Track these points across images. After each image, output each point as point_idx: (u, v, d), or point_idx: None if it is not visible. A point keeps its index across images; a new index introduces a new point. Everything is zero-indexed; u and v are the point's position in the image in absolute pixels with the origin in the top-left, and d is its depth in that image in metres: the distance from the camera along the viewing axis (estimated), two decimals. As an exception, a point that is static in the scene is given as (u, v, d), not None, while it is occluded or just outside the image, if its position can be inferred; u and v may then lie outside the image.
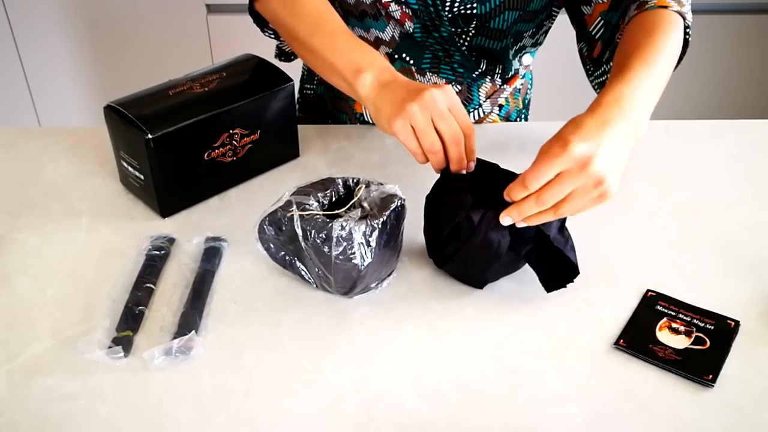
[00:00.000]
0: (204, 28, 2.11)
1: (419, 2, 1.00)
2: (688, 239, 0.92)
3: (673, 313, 0.80)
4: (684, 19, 0.90)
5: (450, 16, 1.01)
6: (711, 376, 0.73)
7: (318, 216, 0.78)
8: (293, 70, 1.08)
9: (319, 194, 0.82)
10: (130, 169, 0.94)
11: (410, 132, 0.80)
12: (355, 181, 0.84)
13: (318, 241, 0.76)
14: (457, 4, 0.99)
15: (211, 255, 0.87)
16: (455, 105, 0.81)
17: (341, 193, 0.84)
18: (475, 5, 0.99)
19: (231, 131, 0.94)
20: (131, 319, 0.79)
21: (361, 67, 0.84)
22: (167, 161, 0.90)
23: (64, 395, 0.71)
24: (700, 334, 0.77)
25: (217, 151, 0.94)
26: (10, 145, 1.08)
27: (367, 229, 0.76)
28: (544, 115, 1.21)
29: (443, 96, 0.80)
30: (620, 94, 0.78)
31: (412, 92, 0.79)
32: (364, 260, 0.77)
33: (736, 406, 0.71)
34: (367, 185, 0.83)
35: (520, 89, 1.19)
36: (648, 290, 0.83)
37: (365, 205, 0.81)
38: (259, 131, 0.97)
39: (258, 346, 0.77)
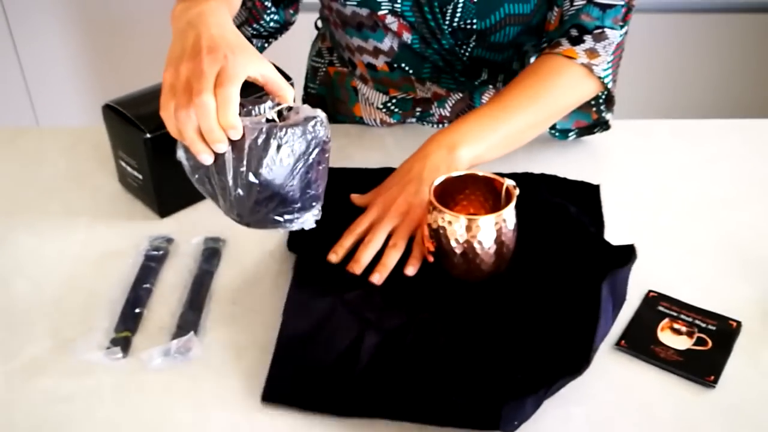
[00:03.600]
0: (203, 28, 2.11)
1: (416, 15, 0.99)
2: (690, 239, 0.91)
3: (675, 314, 0.79)
4: (592, 72, 0.92)
5: (450, 30, 1.00)
6: (713, 377, 0.73)
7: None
8: (294, 69, 1.08)
9: (250, 105, 0.74)
10: (128, 168, 0.93)
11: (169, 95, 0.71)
12: (289, 107, 0.75)
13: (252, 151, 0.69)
14: (456, 19, 0.98)
15: (210, 255, 0.87)
16: (225, 69, 0.69)
17: (272, 116, 0.74)
18: (474, 21, 0.98)
19: (230, 131, 0.93)
20: (130, 319, 0.78)
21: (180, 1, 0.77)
22: (165, 161, 0.89)
23: (63, 396, 0.71)
24: (702, 335, 0.77)
25: (216, 150, 0.93)
26: (9, 145, 1.08)
27: (261, 134, 0.68)
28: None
29: (211, 62, 0.69)
30: (453, 132, 0.88)
31: (193, 50, 0.70)
32: (249, 167, 0.69)
33: (737, 407, 0.71)
34: (298, 110, 0.74)
35: None
36: (650, 291, 0.83)
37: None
38: (258, 131, 0.97)
39: (257, 347, 0.76)
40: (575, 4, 0.94)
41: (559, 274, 0.83)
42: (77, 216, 0.94)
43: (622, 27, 0.94)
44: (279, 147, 0.69)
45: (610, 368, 0.75)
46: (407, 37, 1.02)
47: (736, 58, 2.19)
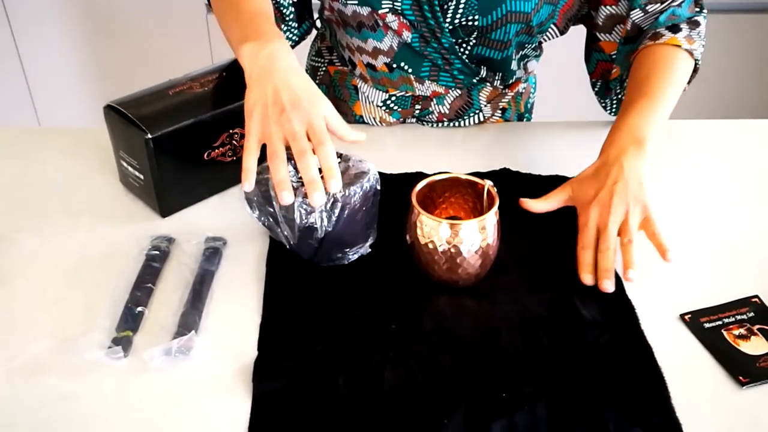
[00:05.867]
0: (204, 28, 2.11)
1: (416, 14, 0.99)
2: (690, 239, 0.91)
3: (722, 322, 0.79)
4: (692, 55, 0.98)
5: (451, 27, 1.00)
6: None
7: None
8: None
9: None
10: (129, 168, 0.94)
11: (255, 143, 0.79)
12: (338, 154, 0.85)
13: (284, 205, 0.79)
14: (458, 16, 0.98)
15: (211, 255, 0.87)
16: (312, 122, 0.78)
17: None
18: (476, 17, 0.98)
19: (231, 131, 0.94)
20: (131, 319, 0.78)
21: (247, 36, 0.84)
22: (167, 161, 0.90)
23: (64, 395, 0.71)
24: (758, 326, 0.77)
25: (216, 150, 0.94)
26: (10, 145, 1.08)
27: (329, 200, 0.79)
28: (546, 117, 1.21)
29: (298, 117, 0.78)
30: (633, 124, 0.89)
31: (276, 106, 0.78)
32: (323, 230, 0.79)
33: None
34: (347, 159, 0.85)
35: (522, 93, 1.18)
36: (682, 314, 0.81)
37: None
38: (259, 131, 0.97)
39: (257, 347, 0.77)
40: (649, 11, 0.99)
41: (543, 278, 0.84)
42: (79, 216, 0.94)
43: (702, 10, 1.03)
44: (344, 207, 0.79)
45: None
46: (407, 35, 1.02)
47: (736, 58, 2.19)
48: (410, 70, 1.07)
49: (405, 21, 1.00)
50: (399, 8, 0.99)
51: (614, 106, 1.13)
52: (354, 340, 0.76)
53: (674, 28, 0.99)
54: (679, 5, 0.99)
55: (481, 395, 0.70)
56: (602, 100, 1.14)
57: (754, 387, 0.72)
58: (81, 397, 0.71)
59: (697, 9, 1.02)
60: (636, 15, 1.00)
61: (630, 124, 0.89)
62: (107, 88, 2.25)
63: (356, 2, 1.00)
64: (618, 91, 1.10)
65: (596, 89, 1.13)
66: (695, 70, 1.01)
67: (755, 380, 0.72)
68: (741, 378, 0.73)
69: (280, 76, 0.80)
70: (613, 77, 1.08)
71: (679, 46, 0.97)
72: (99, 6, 2.10)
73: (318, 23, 1.20)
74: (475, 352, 0.75)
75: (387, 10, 0.99)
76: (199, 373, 0.74)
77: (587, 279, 0.82)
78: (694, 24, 1.00)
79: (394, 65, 1.07)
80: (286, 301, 0.81)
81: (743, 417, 0.70)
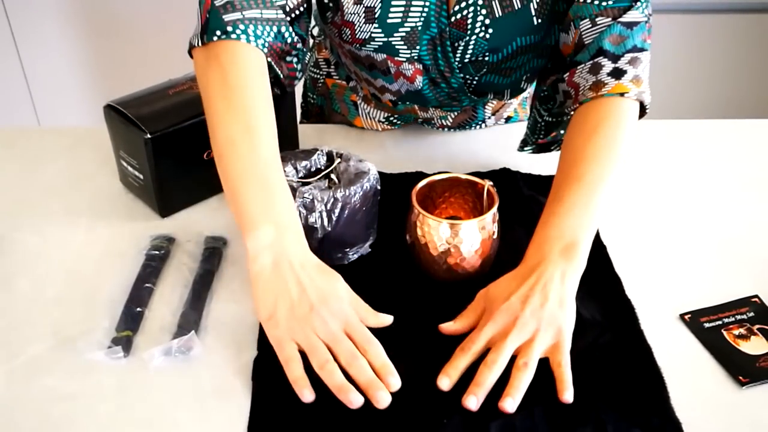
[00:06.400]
0: (204, 28, 2.11)
1: (431, 56, 0.93)
2: (690, 240, 0.91)
3: (721, 322, 0.79)
4: (642, 102, 0.86)
5: (461, 65, 0.95)
6: None
7: (290, 181, 0.81)
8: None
9: (298, 162, 0.85)
10: (129, 168, 0.94)
11: (293, 351, 0.71)
12: (338, 153, 0.87)
13: None
14: (468, 55, 0.93)
15: (211, 255, 0.87)
16: (349, 321, 0.72)
17: (322, 164, 0.87)
18: (487, 55, 0.93)
19: (231, 131, 0.94)
20: (131, 319, 0.78)
21: (259, 217, 0.74)
22: (167, 161, 0.90)
23: (64, 395, 0.71)
24: (758, 326, 0.77)
25: (216, 150, 0.94)
26: (10, 145, 1.08)
27: (329, 199, 0.79)
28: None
29: (332, 315, 0.71)
30: (564, 224, 0.77)
31: (302, 306, 0.71)
32: (324, 230, 0.80)
33: None
34: (347, 159, 0.86)
35: (528, 98, 1.17)
36: (682, 314, 0.81)
37: (333, 177, 0.85)
38: (258, 131, 0.97)
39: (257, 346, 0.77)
40: (598, 24, 0.85)
41: None
42: (78, 216, 0.94)
43: (647, 42, 0.87)
44: (344, 208, 0.80)
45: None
46: (419, 81, 0.97)
47: (736, 58, 2.19)
48: (416, 106, 1.06)
49: (419, 66, 0.95)
50: (416, 56, 0.94)
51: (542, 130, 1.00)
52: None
53: (617, 73, 0.85)
54: (630, 27, 0.85)
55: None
56: (541, 107, 0.99)
57: (754, 387, 0.72)
58: (81, 397, 0.71)
59: (648, 40, 0.87)
60: (584, 26, 0.87)
61: (560, 224, 0.77)
62: (107, 88, 2.25)
63: (372, 49, 0.94)
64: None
65: (541, 94, 0.98)
66: (643, 110, 0.88)
67: (755, 380, 0.72)
68: (741, 378, 0.73)
69: (303, 271, 0.73)
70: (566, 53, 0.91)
71: (624, 93, 0.84)
72: (99, 6, 2.10)
73: (315, 31, 1.15)
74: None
75: (405, 59, 0.94)
76: (199, 372, 0.74)
77: (444, 383, 0.70)
78: (635, 62, 0.85)
79: (400, 102, 1.05)
80: None
81: (743, 417, 0.70)
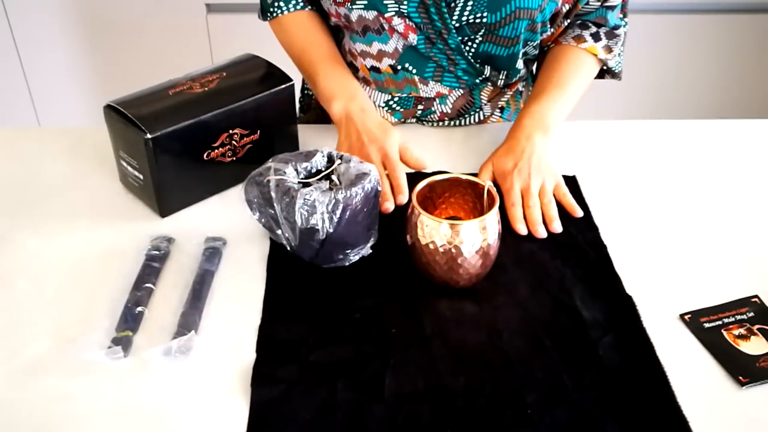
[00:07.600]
0: (204, 28, 2.11)
1: (422, 16, 1.00)
2: (690, 240, 0.91)
3: (721, 322, 0.79)
4: (606, 64, 1.11)
5: (458, 25, 1.01)
6: None
7: (290, 183, 0.81)
8: (295, 70, 1.08)
9: (299, 163, 0.86)
10: (129, 168, 0.94)
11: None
12: (338, 155, 0.87)
13: (285, 207, 0.80)
14: (466, 14, 0.99)
15: (211, 255, 0.87)
16: (387, 154, 0.98)
17: (322, 166, 0.88)
18: (485, 14, 0.99)
19: (231, 131, 0.94)
20: (131, 319, 0.78)
21: (333, 94, 1.03)
22: (167, 161, 0.90)
23: (64, 395, 0.71)
24: (757, 326, 0.77)
25: (216, 151, 0.94)
26: (10, 145, 1.08)
27: (331, 201, 0.79)
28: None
29: (377, 151, 0.98)
30: (542, 111, 1.03)
31: (359, 142, 0.99)
32: (325, 231, 0.80)
33: None
34: (347, 160, 0.86)
35: (521, 92, 1.19)
36: (682, 314, 0.81)
37: (334, 178, 0.86)
38: (259, 131, 0.97)
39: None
40: (590, 4, 1.06)
41: (543, 278, 0.84)
42: (78, 216, 0.94)
43: (623, 19, 1.10)
44: (345, 209, 0.80)
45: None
46: (413, 38, 1.03)
47: (736, 58, 2.19)
48: (414, 71, 1.08)
49: (411, 23, 1.01)
50: (405, 11, 0.99)
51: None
52: (354, 345, 0.76)
53: (596, 36, 1.08)
54: (611, 8, 1.07)
55: (484, 403, 0.70)
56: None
57: (754, 387, 0.72)
58: (81, 397, 0.71)
59: (621, 17, 1.09)
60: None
61: (540, 111, 1.02)
62: (107, 88, 2.25)
63: (362, 6, 1.00)
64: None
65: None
66: (616, 75, 1.14)
67: (755, 380, 0.72)
68: (741, 378, 0.73)
69: (361, 122, 1.00)
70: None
71: (595, 55, 1.08)
72: (99, 6, 2.10)
73: None
74: (476, 356, 0.75)
75: (393, 13, 1.00)
76: (198, 373, 0.74)
77: (521, 228, 0.91)
78: (612, 35, 1.09)
79: (399, 67, 1.07)
80: (286, 303, 0.81)
81: (743, 417, 0.70)
